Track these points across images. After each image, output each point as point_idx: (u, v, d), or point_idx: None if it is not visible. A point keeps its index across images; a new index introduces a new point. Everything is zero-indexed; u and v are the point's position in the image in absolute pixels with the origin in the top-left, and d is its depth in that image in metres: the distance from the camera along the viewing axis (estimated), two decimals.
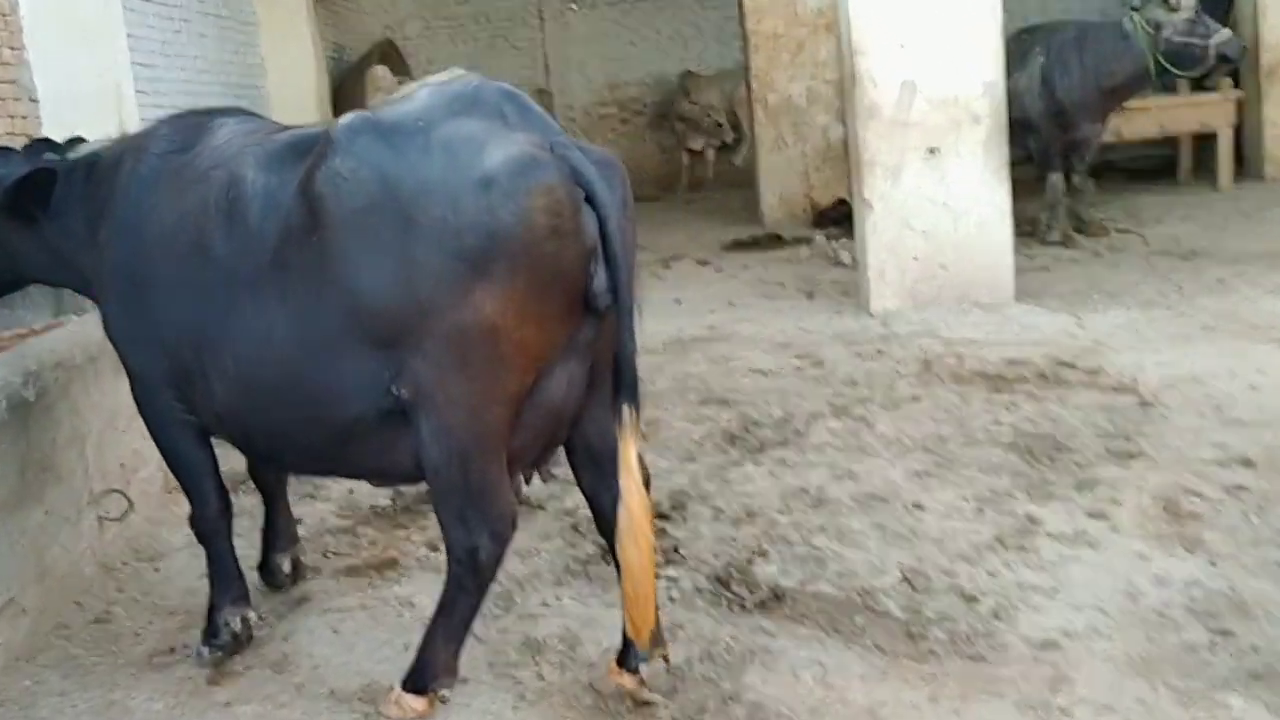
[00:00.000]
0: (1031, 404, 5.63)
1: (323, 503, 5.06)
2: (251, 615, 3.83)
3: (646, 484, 3.26)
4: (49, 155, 3.99)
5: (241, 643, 3.77)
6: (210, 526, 3.78)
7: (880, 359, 6.61)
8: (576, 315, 3.06)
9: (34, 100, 6.97)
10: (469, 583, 3.19)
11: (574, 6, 17.67)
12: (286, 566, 4.21)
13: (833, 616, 3.73)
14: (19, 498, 3.88)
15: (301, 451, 3.36)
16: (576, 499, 4.77)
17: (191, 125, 3.66)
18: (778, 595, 3.86)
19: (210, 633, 3.75)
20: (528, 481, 3.48)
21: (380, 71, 10.89)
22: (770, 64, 12.16)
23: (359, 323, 3.00)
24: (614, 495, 3.14)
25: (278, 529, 4.20)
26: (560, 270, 2.95)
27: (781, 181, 12.45)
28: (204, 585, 4.27)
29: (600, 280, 3.01)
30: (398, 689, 3.30)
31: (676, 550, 4.28)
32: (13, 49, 6.76)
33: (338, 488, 5.11)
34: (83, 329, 4.60)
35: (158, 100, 8.75)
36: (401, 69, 13.70)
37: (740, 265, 10.29)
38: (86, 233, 3.72)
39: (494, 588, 4.04)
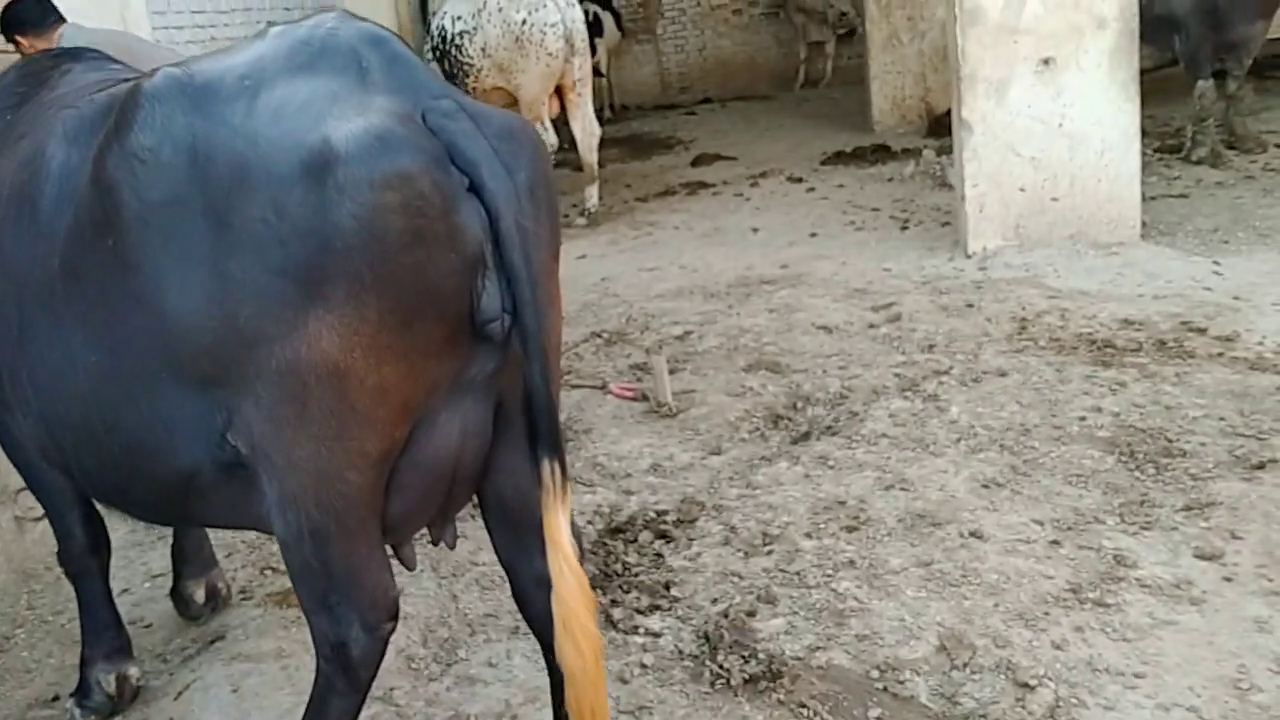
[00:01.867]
0: (1143, 384, 4.61)
1: None
2: (131, 671, 3.20)
3: (581, 558, 2.49)
4: None
5: (122, 702, 3.15)
6: (77, 565, 3.14)
7: (968, 315, 5.62)
8: (461, 345, 2.23)
9: None
10: (340, 684, 2.43)
11: None
12: (199, 595, 3.56)
13: (839, 704, 2.92)
14: None
15: (139, 506, 2.65)
16: None
17: (36, 71, 2.93)
18: (775, 670, 3.04)
19: (82, 691, 3.14)
20: (435, 542, 2.71)
21: None
22: None
23: (172, 354, 2.23)
24: (537, 574, 2.39)
25: (186, 552, 3.56)
26: (428, 288, 2.12)
27: (894, 84, 11.25)
28: (132, 599, 3.70)
29: (491, 298, 2.19)
30: None
31: (666, 589, 3.50)
32: None
33: None
34: None
35: (199, 5, 8.11)
36: None
37: (835, 183, 9.26)
38: None
39: (441, 633, 3.38)
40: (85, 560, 3.14)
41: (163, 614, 3.67)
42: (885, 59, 11.19)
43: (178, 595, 3.57)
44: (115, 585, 3.72)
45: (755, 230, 8.04)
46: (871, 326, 5.66)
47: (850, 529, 3.75)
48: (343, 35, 2.25)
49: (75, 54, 3.04)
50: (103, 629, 3.18)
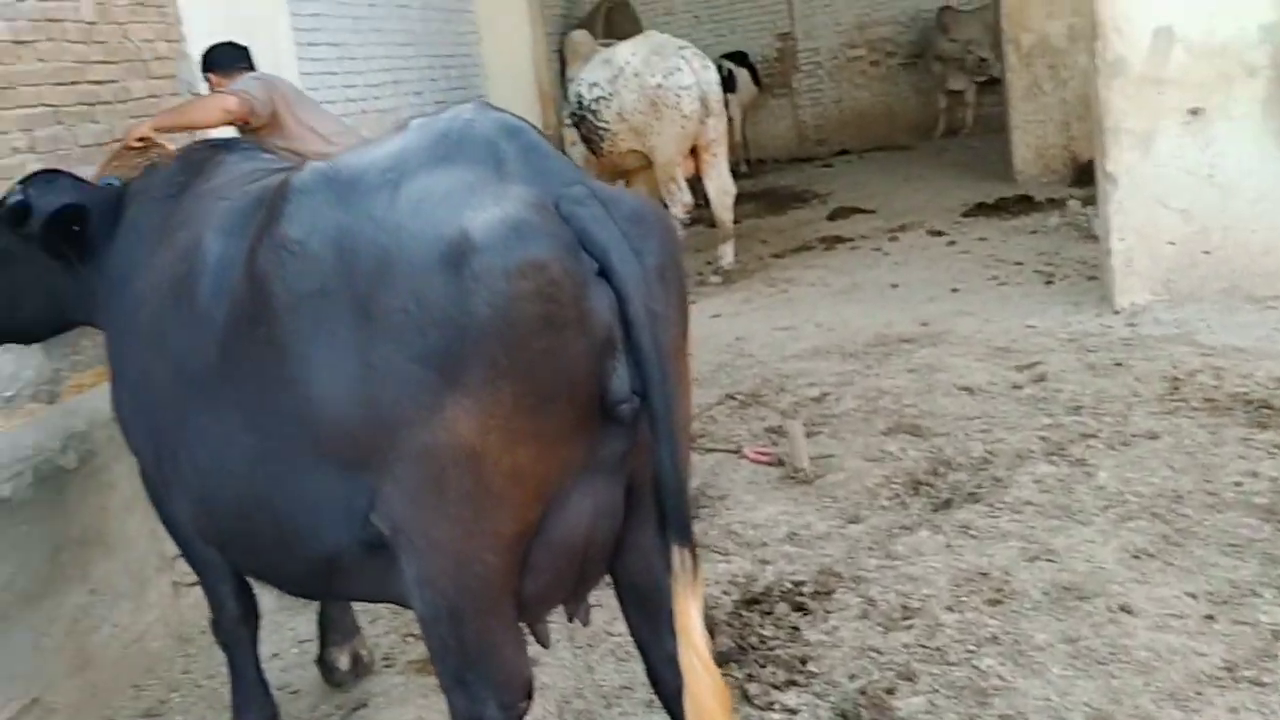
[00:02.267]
0: None
1: None
2: None
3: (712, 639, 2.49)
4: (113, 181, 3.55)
5: None
6: (228, 635, 3.26)
7: (1117, 374, 5.43)
8: (592, 427, 2.26)
9: (194, 94, 6.73)
10: None
11: None
12: (344, 663, 3.66)
13: None
14: (47, 583, 3.49)
15: (288, 581, 2.75)
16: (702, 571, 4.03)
17: (194, 162, 3.10)
18: None
19: None
20: (570, 619, 2.73)
21: (579, 37, 10.19)
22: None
23: (319, 438, 2.32)
24: (669, 653, 2.38)
25: (331, 619, 3.67)
26: (560, 373, 2.17)
27: (1037, 133, 11.01)
28: (281, 664, 3.82)
29: (621, 380, 2.22)
30: None
31: (803, 664, 3.45)
32: (169, 41, 6.49)
33: None
34: None
35: (349, 80, 8.46)
36: (630, 24, 13.05)
37: (977, 236, 9.09)
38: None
39: (577, 705, 3.41)
40: (237, 630, 3.25)
41: (309, 680, 3.77)
42: (1027, 108, 10.98)
43: (323, 662, 3.67)
44: (265, 650, 3.84)
45: (894, 286, 7.94)
46: (1015, 387, 5.52)
47: (993, 602, 3.64)
48: (479, 127, 2.32)
49: (230, 145, 3.20)
50: (252, 697, 3.29)
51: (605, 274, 2.17)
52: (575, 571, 2.46)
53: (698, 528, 4.45)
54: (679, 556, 2.26)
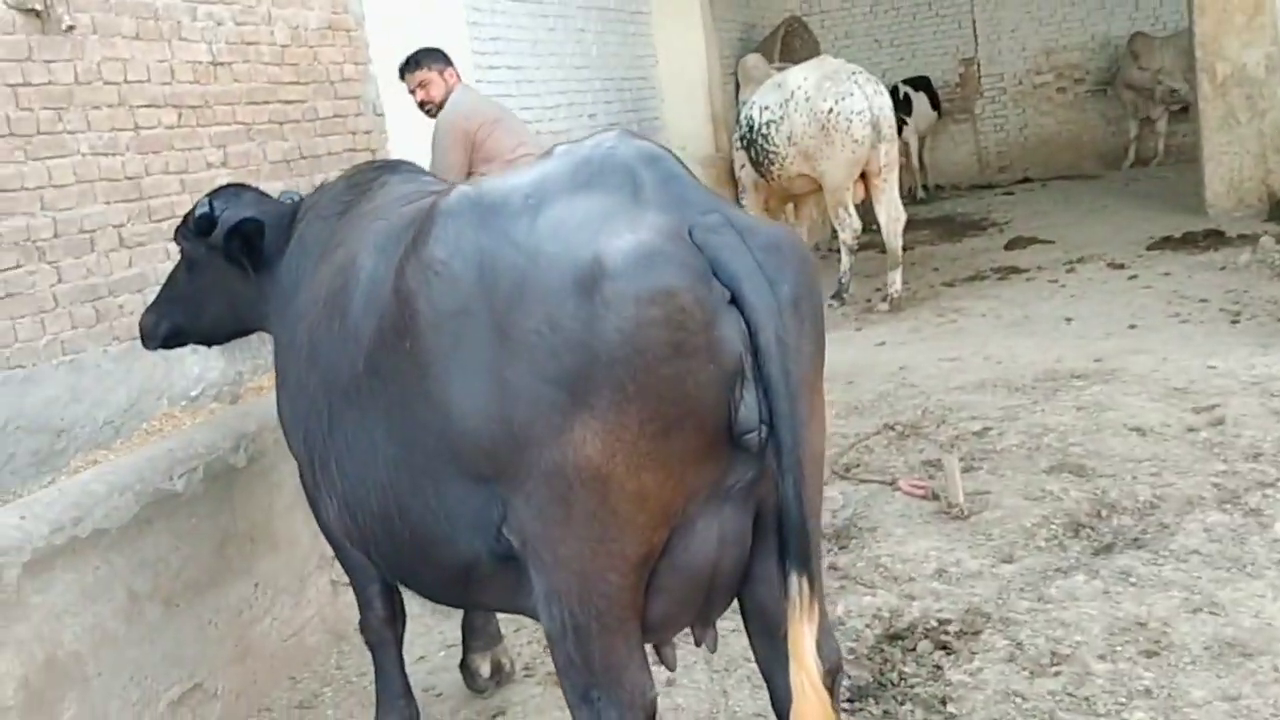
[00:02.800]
0: None
1: None
2: None
3: (834, 674, 2.46)
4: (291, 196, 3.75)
5: None
6: (375, 635, 3.38)
7: None
8: (719, 455, 2.27)
9: (379, 114, 7.02)
10: None
11: None
12: (485, 669, 3.74)
13: None
14: (214, 575, 3.68)
15: (426, 587, 2.83)
16: (846, 603, 3.98)
17: (360, 183, 3.24)
18: None
19: None
20: (697, 644, 2.73)
21: (753, 60, 10.20)
22: (1220, 27, 10.23)
23: (456, 451, 2.39)
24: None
25: (474, 626, 3.75)
26: (688, 399, 2.18)
27: (1231, 165, 10.49)
28: (427, 667, 3.94)
29: (749, 409, 2.21)
30: None
31: (943, 704, 3.37)
32: (357, 64, 6.81)
33: None
34: None
35: (526, 103, 8.67)
36: (807, 48, 13.00)
37: (1160, 271, 8.72)
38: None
39: None
40: (383, 631, 3.37)
41: (452, 684, 3.87)
42: (1221, 139, 10.48)
43: (465, 668, 3.76)
44: (413, 652, 3.98)
45: (1068, 320, 7.68)
46: (1190, 430, 5.26)
47: (1149, 654, 3.48)
48: (620, 154, 2.37)
49: (393, 166, 3.33)
50: (394, 697, 3.39)
51: (737, 303, 2.18)
52: (701, 596, 2.47)
53: (844, 559, 4.42)
54: (796, 584, 2.24)
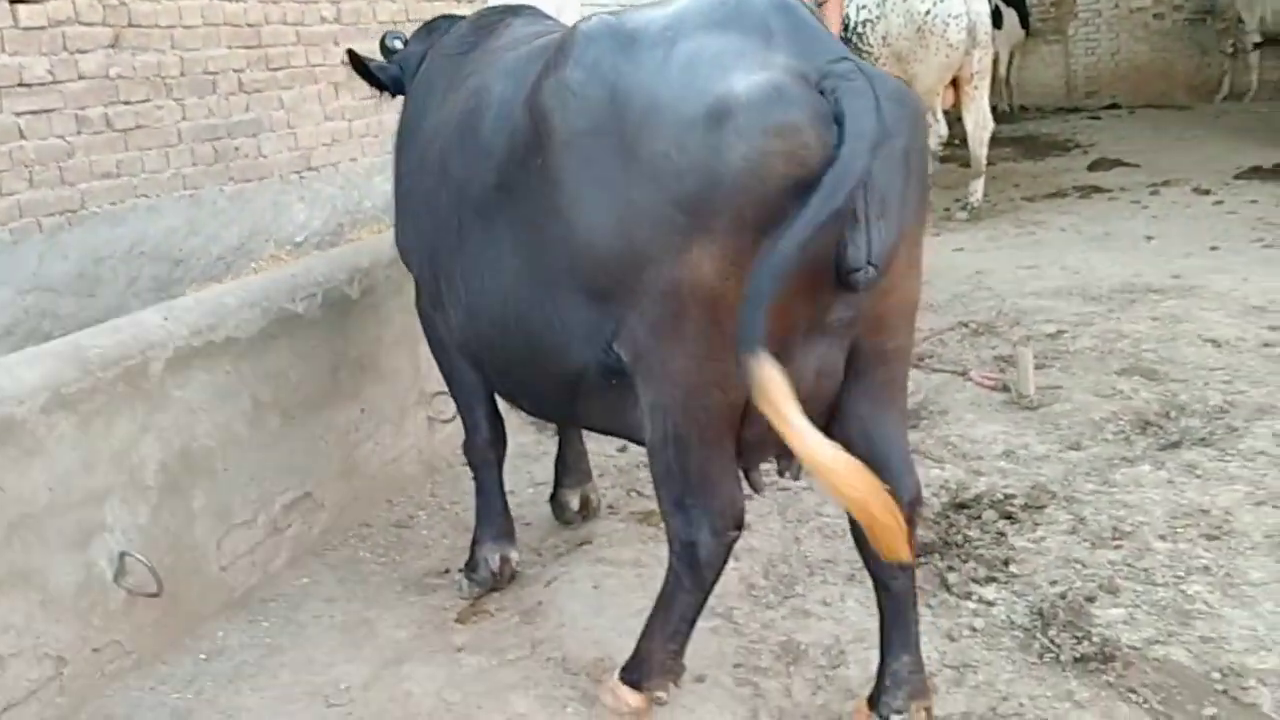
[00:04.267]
0: None
1: None
2: (513, 555, 3.64)
3: (914, 505, 2.65)
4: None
5: (501, 580, 3.61)
6: (479, 456, 3.61)
7: None
8: (824, 289, 2.42)
9: None
10: (687, 580, 2.72)
11: None
12: (574, 503, 3.98)
13: (1172, 697, 2.89)
14: (327, 395, 3.92)
15: (534, 398, 3.07)
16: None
17: (485, 24, 3.40)
18: (1108, 653, 3.05)
19: (470, 566, 3.61)
20: (781, 474, 2.92)
21: None
22: None
23: (577, 265, 2.58)
24: None
25: (567, 463, 3.99)
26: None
27: None
28: (517, 500, 4.18)
29: (858, 249, 2.35)
30: (615, 676, 2.95)
31: (1005, 564, 3.55)
32: None
33: None
34: None
35: None
36: None
37: (1247, 199, 8.65)
38: None
39: (782, 569, 3.62)
40: (486, 452, 3.60)
41: (541, 517, 4.11)
42: None
43: (556, 501, 4.01)
44: (506, 486, 4.22)
45: (1149, 239, 7.69)
46: (1266, 345, 5.33)
47: (1210, 537, 3.63)
48: (754, 1, 2.50)
49: (517, 10, 3.48)
50: (494, 514, 3.64)
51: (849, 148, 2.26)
52: None
53: (914, 435, 4.58)
54: (747, 363, 2.21)
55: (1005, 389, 5.05)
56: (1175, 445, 4.35)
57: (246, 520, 3.56)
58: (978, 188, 8.95)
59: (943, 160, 9.18)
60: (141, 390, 3.14)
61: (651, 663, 2.87)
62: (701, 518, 2.61)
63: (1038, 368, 5.16)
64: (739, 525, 2.66)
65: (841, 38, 9.09)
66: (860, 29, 8.80)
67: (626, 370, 2.59)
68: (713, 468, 2.59)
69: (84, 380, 2.94)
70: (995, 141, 9.34)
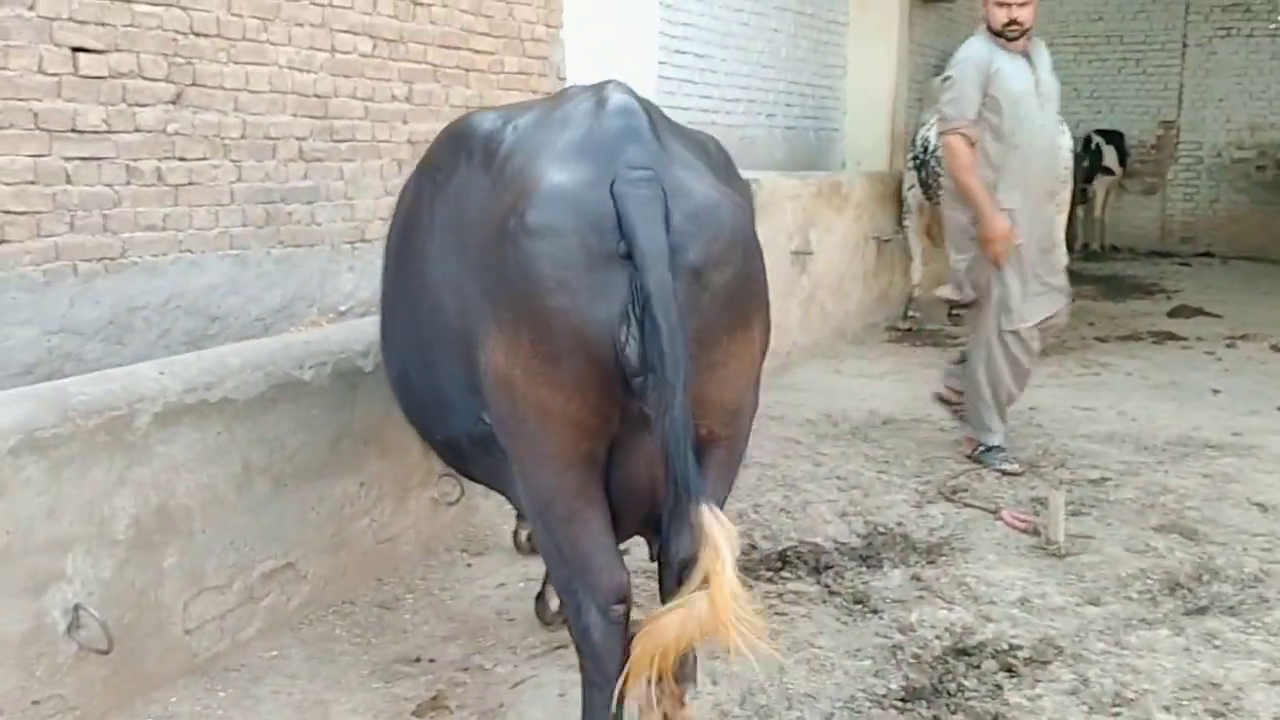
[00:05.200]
0: None
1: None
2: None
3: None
4: None
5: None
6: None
7: None
8: (614, 388, 2.44)
9: (561, 79, 7.22)
10: (594, 673, 2.69)
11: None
12: (555, 604, 3.87)
13: None
14: (325, 465, 3.90)
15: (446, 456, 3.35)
16: (920, 613, 4.00)
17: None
18: None
19: None
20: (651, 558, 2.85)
21: (938, 83, 10.13)
22: None
23: (452, 338, 2.83)
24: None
25: None
26: (573, 332, 2.39)
27: None
28: (503, 593, 4.10)
29: (632, 354, 2.37)
30: None
31: None
32: (549, 26, 7.03)
33: None
34: None
35: (706, 91, 8.81)
36: None
37: None
38: None
39: (759, 699, 3.48)
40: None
41: (524, 613, 4.00)
42: None
43: (540, 600, 3.88)
44: (495, 579, 4.15)
45: (1215, 392, 7.44)
46: None
47: (1216, 714, 3.41)
48: (608, 102, 2.62)
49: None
50: None
51: (630, 256, 2.34)
52: (644, 506, 2.64)
53: (929, 572, 4.44)
54: (696, 514, 2.31)
55: (1035, 532, 4.86)
56: (1201, 612, 4.12)
57: (220, 585, 3.52)
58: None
59: None
60: (123, 442, 3.14)
61: None
62: (586, 599, 2.60)
63: (1074, 514, 4.98)
64: (622, 599, 2.61)
65: (919, 159, 9.07)
66: (937, 153, 8.74)
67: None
68: (582, 545, 2.58)
69: (61, 426, 2.95)
70: (1077, 279, 9.13)
